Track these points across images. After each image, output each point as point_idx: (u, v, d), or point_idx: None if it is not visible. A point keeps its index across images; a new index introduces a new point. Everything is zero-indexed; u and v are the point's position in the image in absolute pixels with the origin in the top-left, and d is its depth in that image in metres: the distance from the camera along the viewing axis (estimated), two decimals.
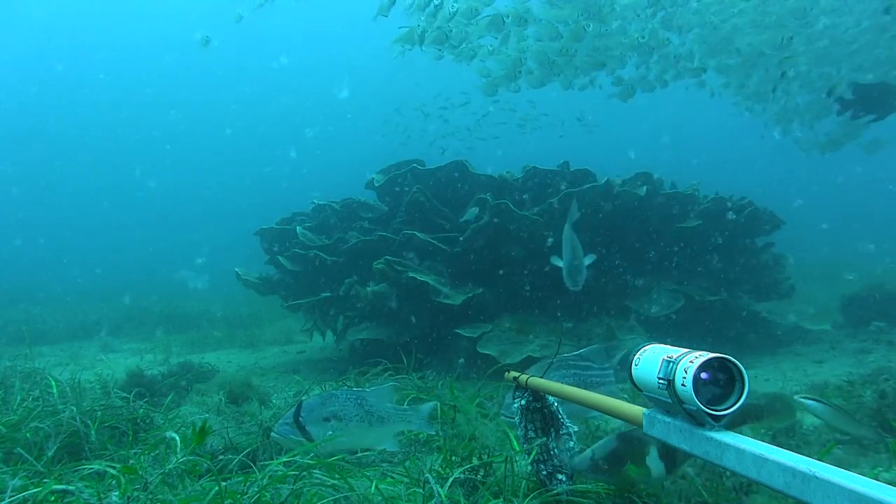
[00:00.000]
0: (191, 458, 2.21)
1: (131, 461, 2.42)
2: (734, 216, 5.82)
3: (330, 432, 2.53)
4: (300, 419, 2.56)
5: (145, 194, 37.28)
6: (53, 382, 3.55)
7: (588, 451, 1.97)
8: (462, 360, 4.86)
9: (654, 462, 1.87)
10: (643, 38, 6.84)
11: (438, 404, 2.81)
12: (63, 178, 39.86)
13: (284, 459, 2.22)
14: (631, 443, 1.89)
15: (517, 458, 2.24)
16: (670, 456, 1.86)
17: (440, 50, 6.71)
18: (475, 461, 2.19)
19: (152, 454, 2.50)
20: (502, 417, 2.69)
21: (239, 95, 41.06)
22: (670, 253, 5.89)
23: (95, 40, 39.98)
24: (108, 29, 39.60)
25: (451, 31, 6.51)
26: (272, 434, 2.61)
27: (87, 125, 40.31)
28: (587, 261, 4.38)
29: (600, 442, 2.00)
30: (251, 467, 2.33)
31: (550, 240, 5.24)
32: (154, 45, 39.60)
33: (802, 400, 3.03)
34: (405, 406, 3.00)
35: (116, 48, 40.13)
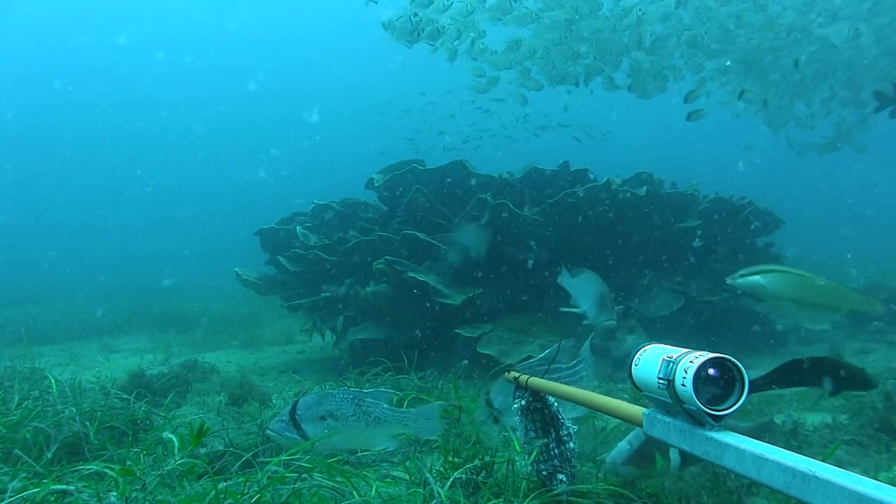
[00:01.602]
0: (188, 460, 2.20)
1: (129, 462, 2.41)
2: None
3: (326, 431, 2.53)
4: (296, 417, 2.55)
5: (145, 195, 37.33)
6: (53, 382, 3.55)
7: (624, 443, 1.94)
8: (465, 361, 4.87)
9: (674, 452, 1.83)
10: (641, 11, 6.71)
11: (436, 405, 2.79)
12: (63, 178, 39.88)
13: (284, 458, 2.22)
14: None
15: (517, 459, 2.24)
16: None
17: (433, 45, 6.66)
18: (477, 462, 2.19)
19: (151, 456, 2.50)
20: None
21: (236, 95, 41.11)
22: (670, 253, 5.89)
23: (87, 43, 40.01)
24: (104, 32, 39.64)
25: (446, 28, 6.47)
26: (267, 431, 2.61)
27: (86, 128, 40.36)
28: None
29: (633, 433, 1.95)
30: (252, 467, 2.33)
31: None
32: (150, 45, 39.66)
33: (740, 281, 2.54)
34: (404, 408, 2.99)
35: (107, 52, 40.19)
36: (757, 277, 2.59)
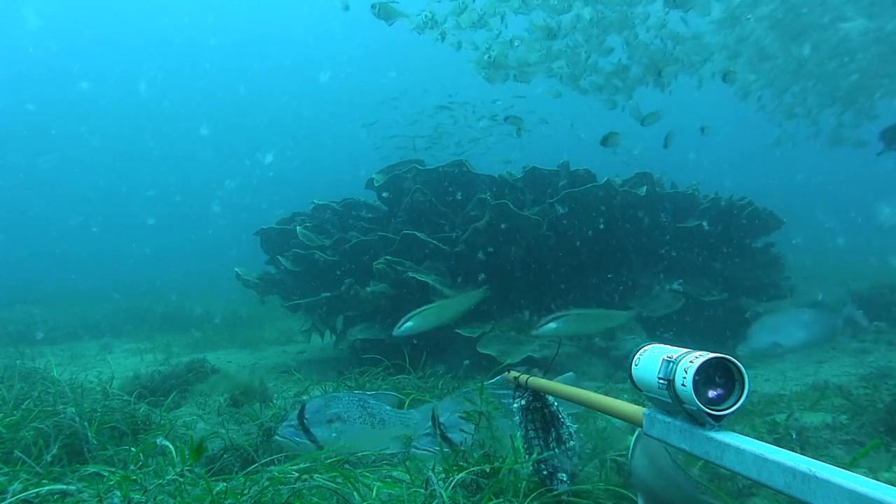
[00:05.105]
0: (188, 470, 2.19)
1: (129, 464, 2.41)
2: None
3: (334, 434, 2.52)
4: (304, 421, 2.54)
5: (145, 196, 37.31)
6: (54, 381, 3.55)
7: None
8: (467, 361, 4.87)
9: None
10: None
11: (437, 405, 2.79)
12: (64, 179, 39.87)
13: (285, 466, 2.21)
14: None
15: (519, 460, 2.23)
16: None
17: (420, 33, 6.65)
18: (486, 467, 2.17)
19: (151, 457, 2.49)
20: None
21: (237, 92, 41.09)
22: (670, 253, 5.89)
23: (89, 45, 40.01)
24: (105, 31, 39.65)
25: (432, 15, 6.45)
26: (276, 437, 2.58)
27: (88, 128, 40.34)
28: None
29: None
30: (253, 467, 2.32)
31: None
32: (149, 44, 39.68)
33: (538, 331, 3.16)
34: (407, 409, 3.00)
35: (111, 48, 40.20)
36: (551, 324, 3.35)
